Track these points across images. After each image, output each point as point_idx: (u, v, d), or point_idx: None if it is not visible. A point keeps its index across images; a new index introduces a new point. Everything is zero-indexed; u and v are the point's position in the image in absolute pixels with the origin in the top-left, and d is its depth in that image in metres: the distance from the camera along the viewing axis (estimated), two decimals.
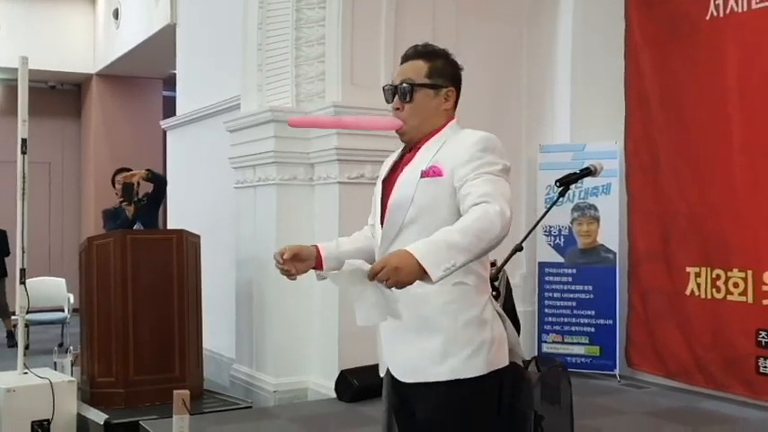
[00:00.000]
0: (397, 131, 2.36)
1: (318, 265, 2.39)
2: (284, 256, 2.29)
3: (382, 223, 2.32)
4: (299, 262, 2.33)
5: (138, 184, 6.10)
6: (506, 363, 2.26)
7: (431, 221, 2.17)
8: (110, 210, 6.30)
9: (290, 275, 2.32)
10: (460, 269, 1.98)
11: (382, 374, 2.39)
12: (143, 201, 6.14)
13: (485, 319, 2.21)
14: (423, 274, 1.88)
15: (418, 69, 2.32)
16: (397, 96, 2.34)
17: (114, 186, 6.34)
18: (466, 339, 2.18)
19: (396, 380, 2.32)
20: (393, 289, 1.89)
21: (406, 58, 2.37)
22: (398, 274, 1.86)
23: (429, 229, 2.08)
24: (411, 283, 1.88)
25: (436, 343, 2.18)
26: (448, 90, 2.34)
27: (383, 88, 2.39)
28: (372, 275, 1.88)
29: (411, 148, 2.37)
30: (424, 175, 2.22)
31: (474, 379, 2.18)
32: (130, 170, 6.29)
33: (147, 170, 6.14)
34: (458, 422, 2.21)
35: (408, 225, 2.23)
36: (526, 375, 2.98)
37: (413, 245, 1.92)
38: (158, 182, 6.22)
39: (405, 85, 2.31)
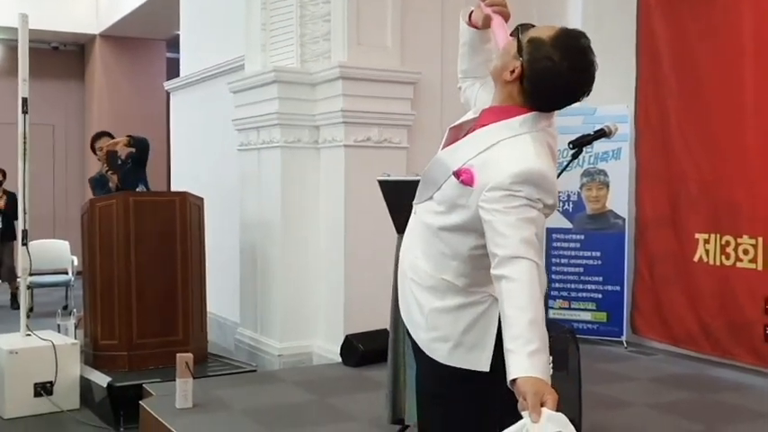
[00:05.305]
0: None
1: None
2: None
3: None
4: None
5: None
6: (482, 368, 2.19)
7: (445, 209, 2.17)
8: (96, 177, 6.25)
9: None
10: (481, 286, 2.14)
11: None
12: (128, 164, 6.08)
13: (479, 321, 2.20)
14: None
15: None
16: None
17: (95, 153, 6.32)
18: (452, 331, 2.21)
19: None
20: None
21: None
22: (539, 396, 1.78)
23: (441, 211, 2.17)
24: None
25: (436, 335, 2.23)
26: (518, 63, 2.11)
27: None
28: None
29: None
30: (456, 176, 2.12)
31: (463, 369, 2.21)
32: (108, 133, 6.31)
33: (128, 136, 6.06)
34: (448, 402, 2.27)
35: (431, 199, 2.23)
36: None
37: (531, 366, 1.82)
38: (140, 146, 6.11)
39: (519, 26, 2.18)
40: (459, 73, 2.54)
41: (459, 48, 2.50)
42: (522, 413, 1.76)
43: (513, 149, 2.06)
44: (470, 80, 2.50)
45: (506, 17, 2.29)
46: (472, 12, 2.40)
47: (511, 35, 2.18)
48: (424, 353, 2.26)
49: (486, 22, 2.34)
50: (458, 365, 2.19)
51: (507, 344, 1.88)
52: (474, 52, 2.46)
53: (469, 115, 2.30)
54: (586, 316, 6.23)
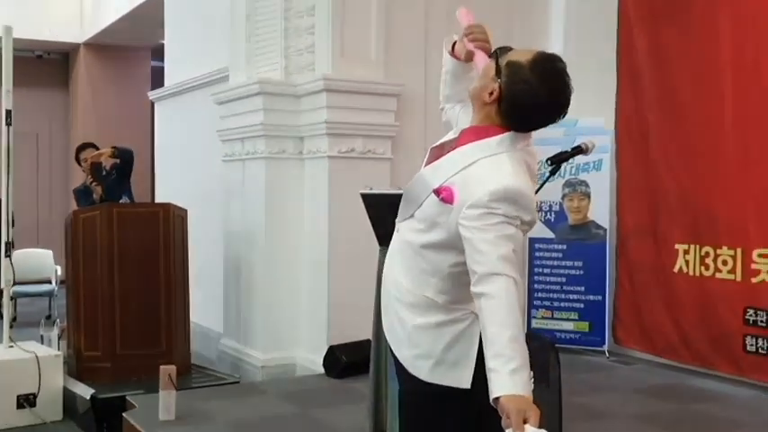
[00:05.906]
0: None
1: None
2: None
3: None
4: None
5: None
6: (463, 385, 2.21)
7: (425, 227, 2.20)
8: (80, 188, 6.24)
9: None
10: (461, 303, 2.17)
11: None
12: (112, 174, 6.08)
13: (460, 338, 2.23)
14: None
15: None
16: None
17: (79, 164, 6.32)
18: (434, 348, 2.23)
19: None
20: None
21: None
22: (522, 414, 1.82)
23: (421, 228, 2.20)
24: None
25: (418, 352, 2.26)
26: (496, 86, 2.17)
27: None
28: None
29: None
30: (437, 193, 2.16)
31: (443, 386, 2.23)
32: (92, 144, 6.30)
33: (113, 147, 6.06)
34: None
35: (412, 217, 2.27)
36: None
37: (513, 385, 1.86)
38: (124, 157, 6.10)
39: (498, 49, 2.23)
40: (441, 97, 2.58)
41: (442, 74, 2.54)
42: (507, 431, 1.80)
43: (491, 168, 2.11)
44: (452, 103, 2.54)
45: (488, 53, 2.32)
46: (455, 42, 2.44)
47: (489, 57, 2.22)
48: (406, 369, 2.28)
49: (469, 56, 2.37)
50: (439, 383, 2.21)
51: (489, 362, 1.92)
52: (456, 80, 2.50)
53: (450, 135, 2.35)
54: (569, 326, 6.27)
